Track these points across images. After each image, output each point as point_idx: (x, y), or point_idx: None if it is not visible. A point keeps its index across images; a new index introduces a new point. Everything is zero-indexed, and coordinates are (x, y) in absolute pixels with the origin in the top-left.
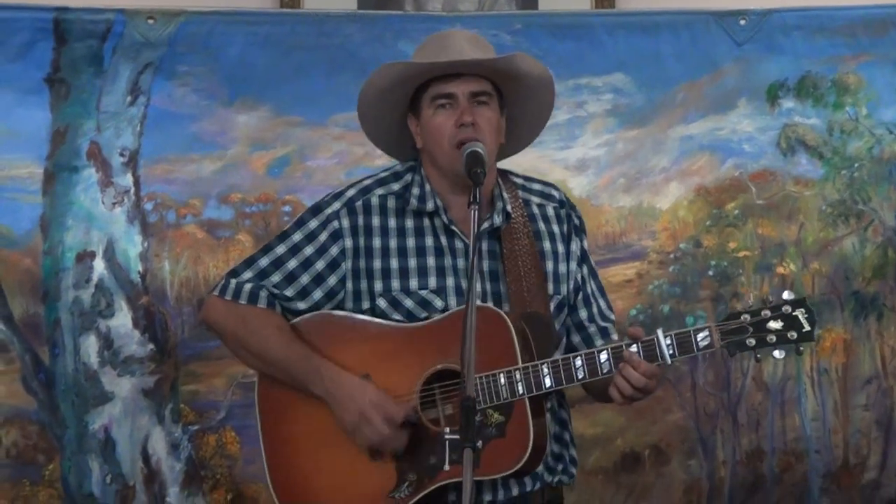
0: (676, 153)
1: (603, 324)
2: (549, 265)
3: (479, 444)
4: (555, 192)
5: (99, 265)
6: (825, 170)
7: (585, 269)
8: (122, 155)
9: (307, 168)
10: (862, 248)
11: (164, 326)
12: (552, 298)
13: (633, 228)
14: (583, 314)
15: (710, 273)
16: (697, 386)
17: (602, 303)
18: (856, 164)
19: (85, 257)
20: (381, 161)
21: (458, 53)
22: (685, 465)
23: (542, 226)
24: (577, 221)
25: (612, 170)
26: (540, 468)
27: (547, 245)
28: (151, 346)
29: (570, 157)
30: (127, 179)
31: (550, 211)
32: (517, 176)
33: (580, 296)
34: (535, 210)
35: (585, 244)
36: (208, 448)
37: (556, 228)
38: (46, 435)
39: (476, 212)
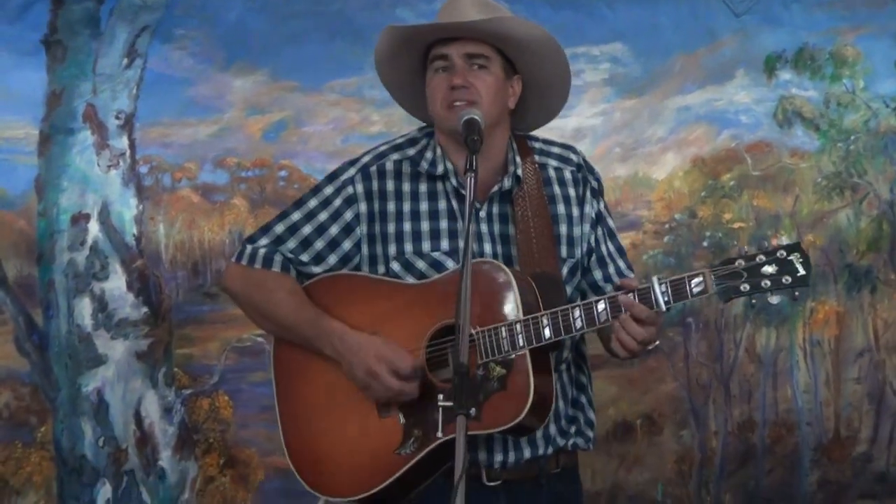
0: (673, 123)
1: (619, 282)
2: (563, 228)
3: (473, 411)
4: (573, 156)
5: (94, 227)
6: (821, 142)
7: (601, 231)
8: (117, 118)
9: (303, 133)
10: (857, 220)
11: (159, 290)
12: (565, 262)
13: (629, 198)
14: (597, 275)
15: (705, 244)
16: (690, 356)
17: (621, 263)
18: (852, 137)
19: (80, 219)
20: (377, 128)
21: (455, 17)
22: (677, 435)
23: (557, 189)
24: (594, 184)
25: (609, 139)
26: (553, 431)
27: (561, 208)
28: (145, 309)
29: (567, 125)
30: (122, 142)
31: (567, 174)
32: (536, 139)
33: (594, 257)
34: (552, 173)
35: (603, 206)
36: (201, 412)
37: (571, 192)
38: (39, 397)
39: (472, 178)
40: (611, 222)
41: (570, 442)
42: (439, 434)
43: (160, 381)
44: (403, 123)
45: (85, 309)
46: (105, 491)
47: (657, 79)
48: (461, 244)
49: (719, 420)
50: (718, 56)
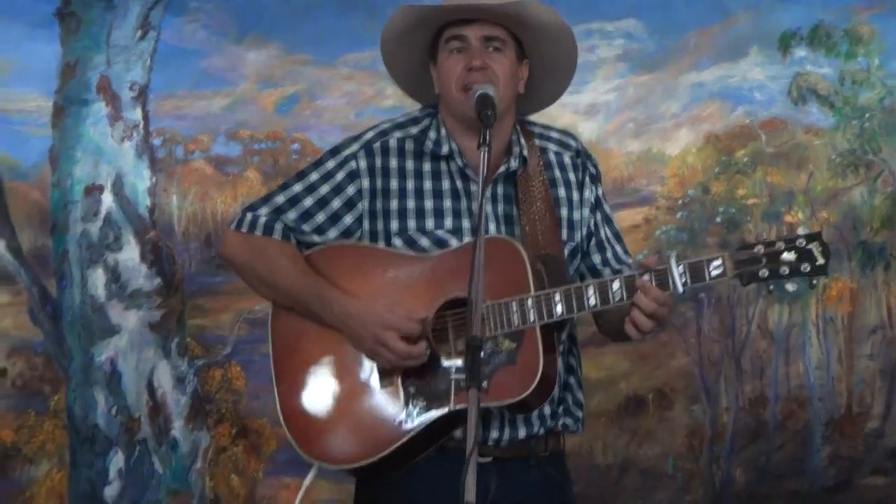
0: (687, 100)
1: (618, 266)
2: (564, 212)
3: (485, 384)
4: (572, 142)
5: (107, 199)
6: (836, 119)
7: (599, 216)
8: (131, 89)
9: (316, 107)
10: (871, 198)
11: (172, 261)
12: (565, 245)
13: (642, 174)
14: (596, 258)
15: (718, 220)
16: (702, 332)
17: (618, 248)
18: (867, 115)
19: (93, 191)
20: (391, 102)
21: None
22: (688, 410)
23: (557, 173)
24: (592, 170)
25: (622, 115)
26: (546, 411)
27: (562, 192)
28: (158, 279)
29: (580, 101)
30: (136, 114)
31: (567, 159)
32: (535, 124)
33: (593, 241)
34: (552, 158)
35: (601, 192)
36: (214, 382)
37: (571, 176)
38: (52, 366)
39: (485, 154)
40: (608, 208)
41: (560, 422)
42: (451, 406)
43: (173, 352)
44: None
45: (98, 279)
46: (117, 460)
47: (671, 55)
48: (465, 223)
49: (731, 395)
50: (733, 32)
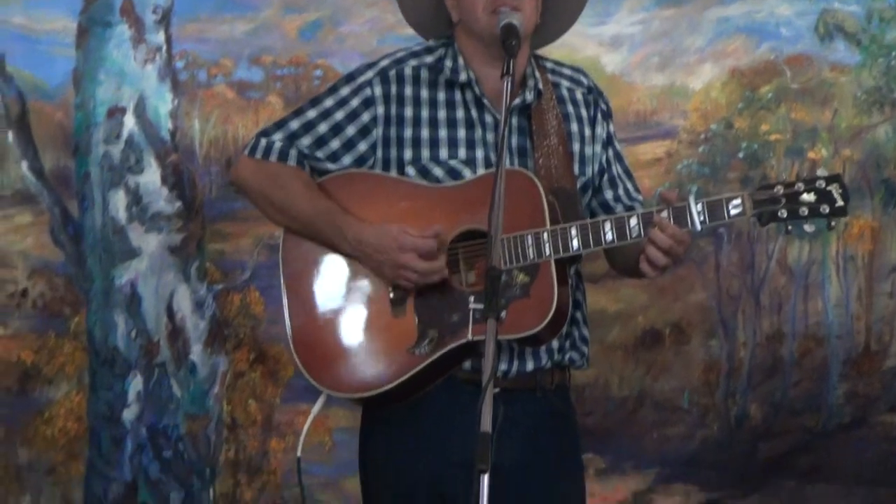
0: (712, 34)
1: (629, 203)
2: (576, 146)
3: (504, 314)
4: (583, 78)
5: (129, 121)
6: (862, 57)
7: (611, 152)
8: (154, 12)
9: (339, 33)
10: (895, 136)
11: (192, 184)
12: (578, 179)
13: (665, 107)
14: (608, 195)
15: (741, 155)
16: (721, 266)
17: (629, 184)
18: (893, 53)
19: (116, 113)
20: (413, 30)
21: None
22: (705, 344)
23: (570, 108)
24: (604, 107)
25: (646, 48)
26: (554, 345)
27: (574, 127)
28: (179, 203)
29: (605, 33)
30: (159, 37)
31: (579, 95)
32: (547, 60)
33: (605, 177)
34: (565, 93)
35: (612, 128)
36: (232, 307)
37: (583, 112)
38: (73, 288)
39: (509, 82)
40: (618, 146)
41: (567, 356)
42: (468, 335)
43: (192, 276)
44: None
45: (119, 202)
46: (136, 383)
47: None
48: (479, 154)
49: (748, 331)
50: None
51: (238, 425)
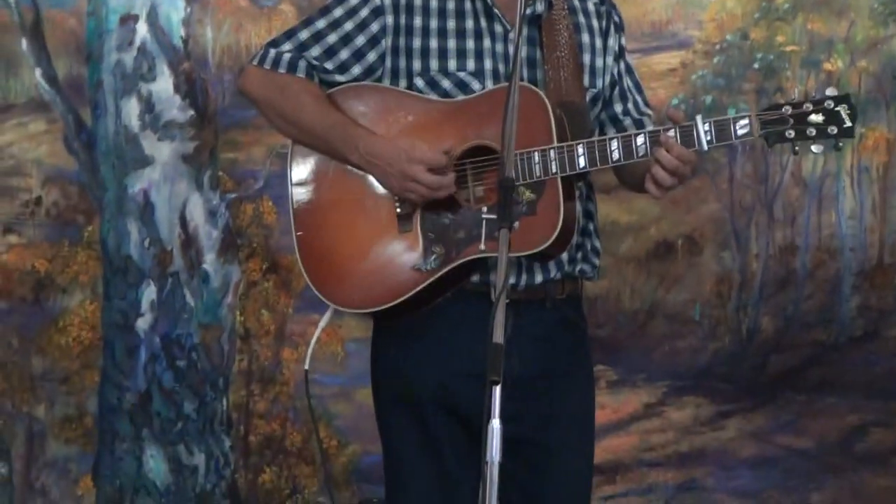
0: None
1: (638, 116)
2: (587, 58)
3: (517, 224)
4: None
5: (142, 28)
6: None
7: (622, 65)
8: None
9: None
10: None
11: (205, 93)
12: (588, 91)
13: (680, 17)
14: (618, 108)
15: (756, 66)
16: (735, 178)
17: (639, 98)
18: None
19: (128, 20)
20: None
21: None
22: (718, 256)
23: (581, 19)
24: (616, 19)
25: None
26: (564, 256)
27: (586, 38)
28: (192, 111)
29: None
30: None
31: (591, 6)
32: None
33: (616, 90)
34: (577, 3)
35: (623, 41)
36: (245, 217)
37: (595, 23)
38: (86, 196)
39: None
40: (629, 59)
41: (577, 268)
42: (481, 246)
43: (205, 185)
44: None
45: (132, 110)
46: (150, 292)
47: None
48: (487, 65)
49: (761, 243)
50: None
51: (251, 335)
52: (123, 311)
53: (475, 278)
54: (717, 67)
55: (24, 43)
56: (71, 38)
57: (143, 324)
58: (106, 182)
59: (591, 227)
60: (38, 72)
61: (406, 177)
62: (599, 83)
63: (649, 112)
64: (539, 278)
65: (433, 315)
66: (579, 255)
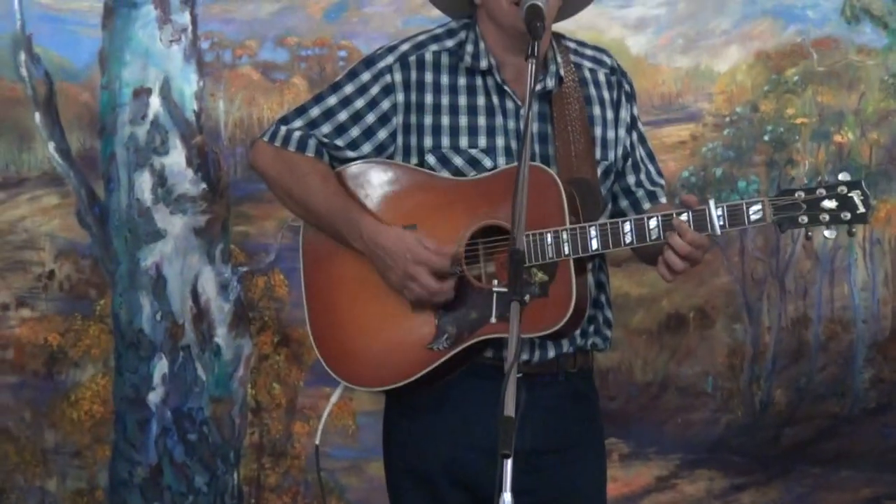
0: (738, 16)
1: (651, 188)
2: (598, 130)
3: (527, 297)
4: (606, 59)
5: (155, 102)
6: (889, 39)
7: (635, 136)
8: None
9: (364, 14)
10: None
11: (217, 166)
12: (599, 164)
13: (690, 90)
14: (630, 179)
15: (766, 138)
16: (746, 251)
17: (651, 168)
18: None
19: (141, 93)
20: (438, 12)
21: None
22: (729, 328)
23: (592, 91)
24: (628, 88)
25: (672, 30)
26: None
27: (597, 110)
28: (204, 185)
29: (630, 15)
30: (185, 17)
31: (602, 77)
32: (570, 40)
33: (629, 162)
34: (587, 75)
35: (636, 111)
36: (257, 290)
37: (606, 94)
38: (99, 270)
39: (533, 65)
40: (642, 128)
41: (589, 341)
42: (493, 320)
43: (217, 258)
44: None
45: (145, 183)
46: (161, 365)
47: None
48: (499, 142)
49: (773, 315)
50: None
51: (262, 408)
52: (135, 385)
53: (488, 354)
54: (728, 140)
55: (38, 116)
56: (84, 112)
57: (154, 397)
58: (118, 255)
59: (602, 298)
60: (51, 145)
61: (407, 276)
62: (611, 155)
63: (662, 182)
64: (552, 353)
65: (446, 389)
66: (591, 328)
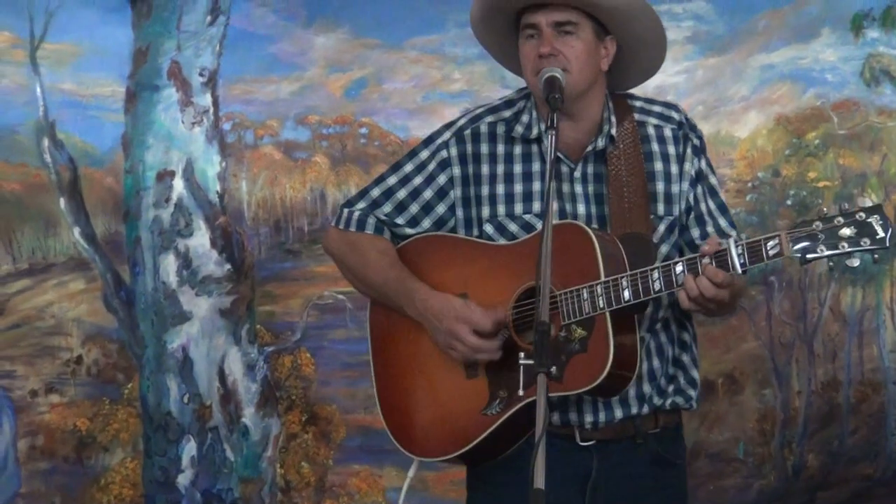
0: (756, 81)
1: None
2: (660, 186)
3: (554, 369)
4: (674, 114)
5: (178, 184)
6: None
7: (700, 189)
8: (201, 75)
9: (384, 91)
10: None
11: (241, 247)
12: (662, 219)
13: (711, 156)
14: (695, 233)
15: (789, 202)
16: (773, 315)
17: (721, 221)
18: None
19: (165, 176)
20: (458, 85)
21: None
22: (759, 394)
23: (655, 146)
24: (696, 142)
25: (691, 97)
26: (648, 390)
27: (659, 166)
28: (228, 266)
29: (649, 84)
30: (206, 99)
31: (668, 132)
32: (638, 98)
33: (692, 215)
34: (651, 131)
35: (704, 164)
36: (283, 369)
37: (671, 149)
38: (126, 353)
39: (552, 137)
40: (713, 180)
41: (669, 401)
42: (520, 392)
43: (243, 338)
44: (485, 81)
45: (170, 266)
46: (190, 448)
47: (741, 36)
48: (554, 206)
49: (802, 379)
50: (804, 14)
51: (292, 488)
52: (164, 468)
53: (554, 419)
54: (751, 205)
55: (63, 202)
56: (108, 196)
57: (183, 480)
58: (145, 339)
59: (685, 357)
60: (76, 230)
61: (451, 334)
62: (675, 210)
63: (733, 234)
64: (619, 413)
65: (517, 459)
66: (671, 387)
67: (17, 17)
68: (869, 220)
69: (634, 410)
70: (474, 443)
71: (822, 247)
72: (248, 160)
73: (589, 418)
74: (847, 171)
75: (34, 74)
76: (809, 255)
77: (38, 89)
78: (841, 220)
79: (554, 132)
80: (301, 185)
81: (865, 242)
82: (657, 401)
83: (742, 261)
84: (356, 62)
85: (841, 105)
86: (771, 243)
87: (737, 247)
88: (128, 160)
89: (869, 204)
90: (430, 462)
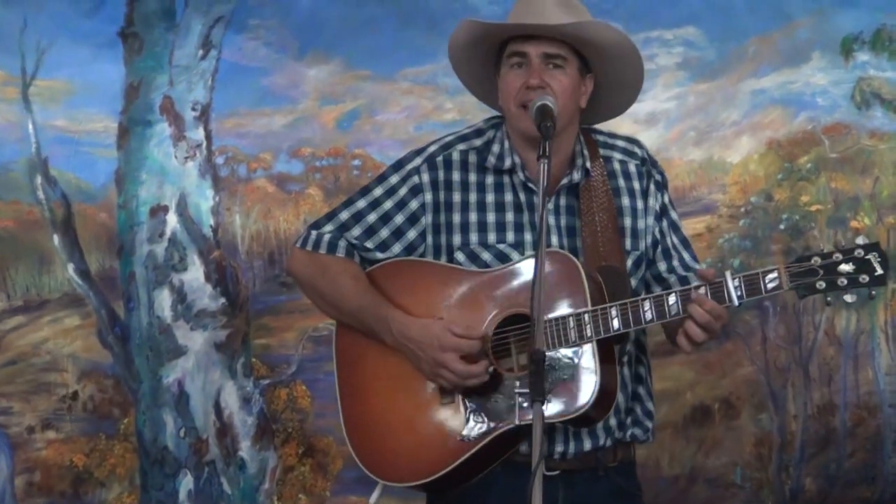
0: (747, 107)
1: (683, 273)
2: (628, 221)
3: (549, 398)
4: (637, 150)
5: (172, 219)
6: None
7: (665, 223)
8: (194, 109)
9: (376, 122)
10: None
11: (236, 280)
12: (630, 254)
13: (703, 182)
14: (662, 266)
15: (782, 227)
16: (768, 340)
17: (685, 255)
18: None
19: (158, 211)
20: (450, 116)
21: (536, 16)
22: (755, 418)
23: (621, 182)
24: (658, 177)
25: (683, 123)
26: (613, 423)
27: (626, 201)
28: (223, 299)
29: (641, 110)
30: (199, 133)
31: (632, 168)
32: (601, 133)
33: (659, 249)
34: (616, 166)
35: (667, 199)
36: (279, 402)
37: (636, 185)
38: (122, 389)
39: (545, 165)
40: (674, 215)
41: (628, 433)
42: (515, 421)
43: (239, 372)
44: (477, 111)
45: (165, 300)
46: (187, 482)
47: (731, 62)
48: (527, 237)
49: (798, 403)
50: (794, 38)
51: None
52: (161, 502)
53: (523, 448)
54: (744, 230)
55: (56, 238)
56: (102, 232)
57: None
58: (141, 374)
59: (641, 390)
60: (70, 267)
61: (437, 364)
62: (642, 245)
63: (697, 267)
64: (588, 445)
65: (483, 487)
66: (629, 419)
67: (9, 55)
68: (867, 256)
69: (601, 442)
70: (448, 468)
71: (821, 282)
72: (241, 193)
73: (559, 448)
74: (839, 195)
75: (26, 111)
76: (808, 291)
77: (31, 126)
78: (840, 256)
79: (547, 160)
80: (295, 217)
81: (864, 279)
82: (618, 433)
83: (739, 293)
84: (348, 94)
85: (832, 128)
86: (770, 277)
87: (734, 279)
88: (121, 195)
89: (866, 241)
90: (397, 487)
